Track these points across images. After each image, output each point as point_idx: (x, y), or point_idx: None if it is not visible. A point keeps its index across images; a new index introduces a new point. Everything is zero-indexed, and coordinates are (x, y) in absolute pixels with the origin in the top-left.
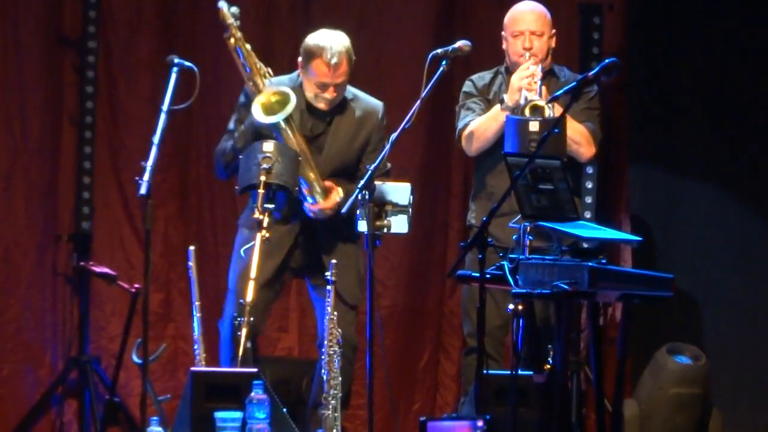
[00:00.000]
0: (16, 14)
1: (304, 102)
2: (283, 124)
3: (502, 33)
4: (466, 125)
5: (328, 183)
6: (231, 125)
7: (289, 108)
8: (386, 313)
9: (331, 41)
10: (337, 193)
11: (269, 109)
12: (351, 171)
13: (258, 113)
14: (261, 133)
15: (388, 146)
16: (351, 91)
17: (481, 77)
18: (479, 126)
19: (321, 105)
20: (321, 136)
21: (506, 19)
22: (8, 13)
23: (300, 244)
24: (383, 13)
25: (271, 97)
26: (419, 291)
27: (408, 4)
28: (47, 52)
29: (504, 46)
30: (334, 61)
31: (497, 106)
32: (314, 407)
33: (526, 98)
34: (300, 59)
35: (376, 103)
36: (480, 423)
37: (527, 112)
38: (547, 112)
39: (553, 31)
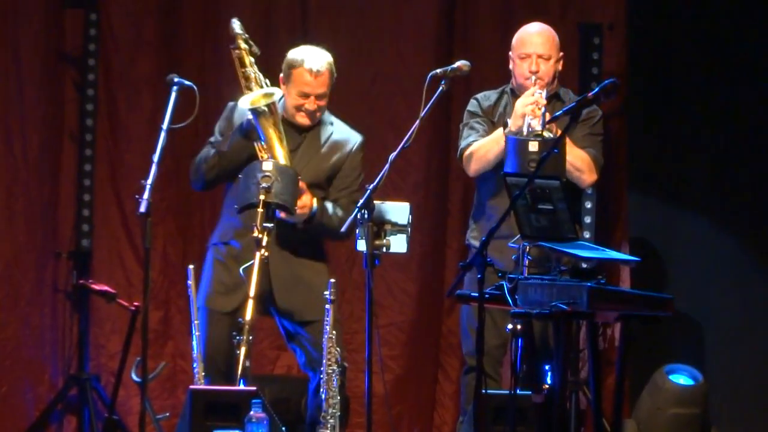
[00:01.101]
0: (16, 32)
1: (281, 121)
2: (262, 114)
3: (509, 53)
4: (468, 145)
5: (302, 184)
6: (212, 138)
7: (269, 98)
8: (384, 332)
9: (313, 52)
10: (309, 197)
11: (255, 104)
12: (319, 190)
13: (243, 101)
14: (246, 135)
15: (387, 166)
16: (332, 118)
17: (487, 97)
18: (481, 148)
19: (301, 119)
20: (293, 151)
21: (514, 40)
22: (9, 30)
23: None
24: (382, 33)
25: (260, 97)
26: (417, 310)
27: (407, 23)
28: (48, 70)
29: (510, 67)
30: (316, 68)
31: (500, 130)
32: (312, 423)
33: (529, 125)
34: (282, 75)
35: (355, 134)
36: None
37: None
38: (548, 136)
39: (561, 53)
